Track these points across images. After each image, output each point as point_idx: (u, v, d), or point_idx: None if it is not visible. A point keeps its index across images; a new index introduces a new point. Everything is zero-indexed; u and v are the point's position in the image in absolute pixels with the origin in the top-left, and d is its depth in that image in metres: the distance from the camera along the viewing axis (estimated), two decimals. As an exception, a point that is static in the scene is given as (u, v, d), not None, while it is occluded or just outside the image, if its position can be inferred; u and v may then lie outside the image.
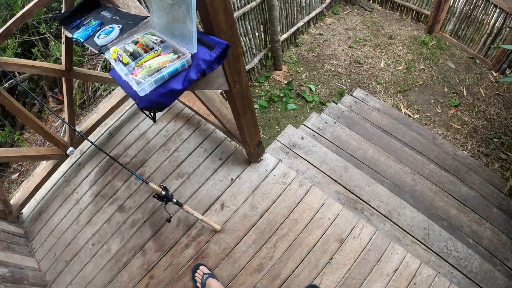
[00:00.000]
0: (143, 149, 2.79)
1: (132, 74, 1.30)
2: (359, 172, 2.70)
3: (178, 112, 2.88)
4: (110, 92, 4.28)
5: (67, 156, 2.79)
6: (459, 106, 3.86)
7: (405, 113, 3.80)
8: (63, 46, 2.32)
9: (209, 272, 2.13)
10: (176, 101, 2.90)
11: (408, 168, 3.06)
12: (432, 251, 2.44)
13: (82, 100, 4.31)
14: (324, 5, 5.04)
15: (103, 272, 2.41)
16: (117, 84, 1.44)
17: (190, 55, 1.28)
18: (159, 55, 1.37)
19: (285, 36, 4.52)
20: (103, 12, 1.93)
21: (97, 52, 1.66)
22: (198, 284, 2.11)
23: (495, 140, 3.63)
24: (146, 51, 1.41)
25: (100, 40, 1.69)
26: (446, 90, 3.99)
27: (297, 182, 2.40)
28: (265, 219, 2.29)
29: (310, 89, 4.11)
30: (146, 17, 1.75)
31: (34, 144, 4.29)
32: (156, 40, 1.46)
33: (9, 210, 2.73)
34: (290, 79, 4.29)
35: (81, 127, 2.88)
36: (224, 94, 3.36)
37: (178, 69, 1.28)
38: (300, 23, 4.71)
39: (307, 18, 4.83)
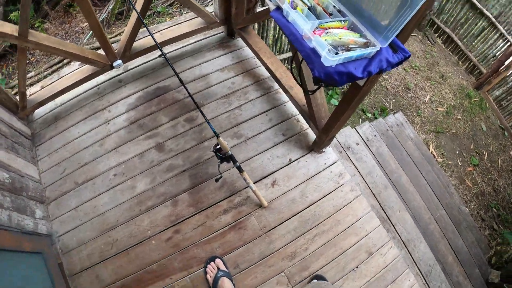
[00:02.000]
0: (201, 92, 2.66)
1: (312, 32, 1.25)
2: (395, 195, 2.85)
3: (250, 68, 2.78)
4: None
5: (111, 68, 2.62)
6: (477, 167, 4.18)
7: (431, 152, 4.04)
8: None
9: (226, 270, 2.07)
10: (252, 56, 2.83)
11: (426, 206, 3.29)
12: (428, 286, 2.68)
13: (120, 9, 4.02)
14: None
15: (120, 209, 2.30)
16: (280, 26, 1.38)
17: (379, 48, 1.24)
18: (344, 27, 1.32)
19: None
20: None
21: None
22: (209, 277, 2.05)
23: (494, 210, 4.00)
24: (325, 12, 1.35)
25: None
26: (471, 147, 4.30)
27: (349, 185, 2.46)
28: (310, 210, 2.33)
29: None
30: None
31: (53, 36, 3.92)
32: (334, 7, 1.38)
33: (23, 105, 2.50)
34: None
35: (135, 44, 2.68)
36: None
37: (363, 55, 1.25)
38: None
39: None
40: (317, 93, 2.23)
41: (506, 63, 4.52)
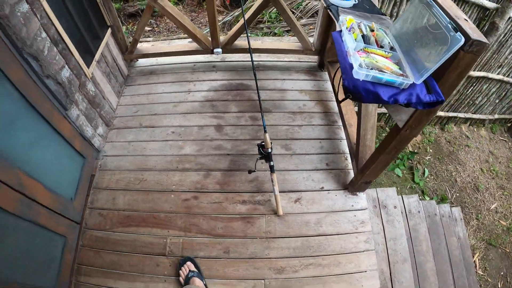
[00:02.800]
0: (274, 101, 2.93)
1: (357, 52, 1.45)
2: (411, 273, 2.75)
3: (324, 99, 2.99)
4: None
5: (211, 52, 3.02)
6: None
7: (474, 261, 3.76)
8: None
9: (195, 270, 2.17)
10: (331, 90, 3.05)
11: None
12: None
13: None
14: (490, 117, 5.00)
15: (162, 158, 2.64)
16: (335, 46, 1.61)
17: (411, 82, 1.35)
18: (387, 58, 1.48)
19: (442, 113, 4.64)
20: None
21: (325, 5, 1.93)
22: (181, 279, 2.16)
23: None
24: (377, 44, 1.56)
25: (336, 1, 1.94)
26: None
27: (366, 236, 2.46)
28: (318, 240, 2.36)
29: (423, 173, 4.17)
30: (383, 14, 1.91)
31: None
32: (389, 43, 1.57)
33: (131, 50, 3.01)
34: (415, 151, 4.40)
35: (236, 42, 3.07)
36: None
37: (394, 83, 1.36)
38: (461, 115, 4.71)
39: (469, 115, 4.82)
40: (368, 135, 2.34)
41: None
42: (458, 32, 1.17)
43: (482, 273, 3.75)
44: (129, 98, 2.97)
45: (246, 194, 2.48)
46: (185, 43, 3.32)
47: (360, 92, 1.34)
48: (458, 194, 4.18)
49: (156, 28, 5.08)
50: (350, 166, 2.65)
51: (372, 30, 1.62)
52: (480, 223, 4.07)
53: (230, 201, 2.46)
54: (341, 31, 1.62)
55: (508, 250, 4.00)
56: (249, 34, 2.61)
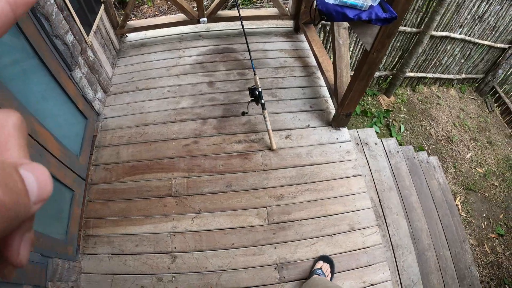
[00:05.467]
0: (258, 60, 3.23)
1: None
2: (398, 200, 3.03)
3: (302, 56, 3.31)
4: None
5: (197, 22, 3.34)
6: (501, 237, 4.07)
7: (456, 204, 4.08)
8: None
9: (323, 273, 2.19)
10: (308, 49, 3.40)
11: (430, 237, 3.34)
12: None
13: None
14: (458, 77, 5.43)
15: (161, 113, 2.87)
16: None
17: (370, 4, 1.75)
18: None
19: (411, 74, 5.02)
20: None
21: None
22: (317, 265, 2.25)
23: (507, 286, 3.83)
24: None
25: None
26: (501, 216, 4.22)
27: (353, 163, 2.73)
28: (310, 169, 2.63)
29: (400, 129, 4.54)
30: None
31: (156, 8, 4.99)
32: None
33: (122, 24, 3.29)
34: (390, 110, 4.76)
35: (221, 12, 3.41)
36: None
37: (357, 5, 1.75)
38: (430, 75, 5.12)
39: (438, 75, 5.23)
40: (343, 72, 2.66)
41: None
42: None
43: (465, 215, 4.07)
44: (123, 67, 3.23)
45: (241, 134, 2.75)
46: (171, 16, 3.63)
47: (331, 13, 1.74)
48: (434, 146, 4.55)
49: (133, 19, 5.34)
50: (331, 107, 2.96)
51: None
52: (457, 171, 4.42)
53: (227, 142, 2.71)
54: None
55: (487, 194, 4.35)
56: (233, 3, 2.93)
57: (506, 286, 3.85)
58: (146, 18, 5.21)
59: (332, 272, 2.25)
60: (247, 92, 2.76)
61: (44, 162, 2.03)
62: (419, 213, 3.31)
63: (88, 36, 2.68)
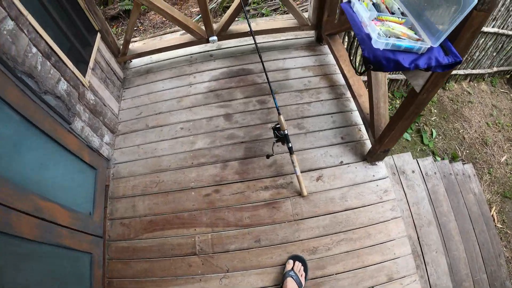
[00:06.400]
0: (278, 82, 2.89)
1: (372, 21, 1.45)
2: (437, 235, 2.80)
3: (328, 73, 2.95)
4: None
5: (207, 41, 2.97)
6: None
7: (492, 215, 3.85)
8: None
9: (296, 274, 2.12)
10: (334, 63, 3.03)
11: (468, 263, 3.15)
12: None
13: (229, 4, 4.50)
14: (489, 71, 5.05)
15: (175, 157, 2.59)
16: (346, 16, 1.62)
17: (429, 46, 1.36)
18: (401, 24, 1.49)
19: None
20: None
21: None
22: (288, 266, 2.16)
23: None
24: (388, 11, 1.56)
25: None
26: (540, 223, 4.02)
27: (391, 204, 2.49)
28: (345, 215, 2.38)
29: (431, 134, 4.22)
30: None
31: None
32: (398, 9, 1.56)
33: (124, 52, 2.94)
34: (421, 113, 4.39)
35: (231, 27, 3.02)
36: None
37: (413, 48, 1.37)
38: (461, 71, 4.75)
39: (469, 71, 4.85)
40: (381, 103, 2.34)
41: None
42: (471, -8, 1.16)
43: (501, 226, 3.84)
44: (130, 101, 2.92)
45: (267, 179, 2.47)
46: (177, 36, 3.26)
47: (381, 61, 1.35)
48: (468, 151, 4.26)
49: (140, 27, 4.99)
50: (365, 136, 2.65)
51: None
52: (492, 177, 4.15)
53: (252, 189, 2.44)
54: (350, 1, 1.62)
55: (523, 200, 4.11)
56: (239, 18, 2.55)
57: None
58: (153, 25, 4.83)
59: (306, 270, 2.16)
60: (270, 126, 2.48)
61: (54, 237, 1.83)
62: (457, 240, 3.09)
63: (85, 76, 2.38)
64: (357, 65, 1.90)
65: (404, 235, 2.41)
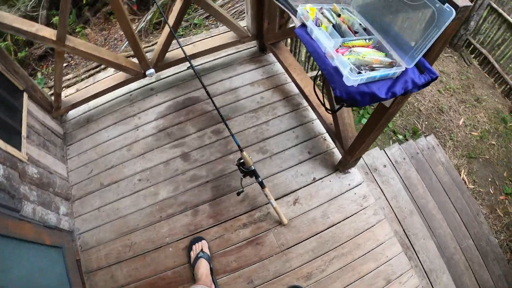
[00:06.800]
0: (229, 105, 2.73)
1: (335, 50, 1.26)
2: (421, 222, 2.81)
3: (279, 84, 2.82)
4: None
5: (144, 76, 2.73)
6: (510, 196, 4.05)
7: (462, 178, 3.96)
8: None
9: (207, 253, 2.16)
10: (283, 72, 2.88)
11: (452, 234, 3.22)
12: None
13: (159, 20, 4.21)
14: None
15: (141, 213, 2.38)
16: (304, 44, 1.40)
17: (404, 68, 1.23)
18: (368, 46, 1.33)
19: None
20: None
21: None
22: (192, 255, 2.16)
23: (525, 242, 3.87)
24: (350, 30, 1.39)
25: None
26: (505, 174, 4.17)
27: (373, 209, 2.45)
28: (331, 232, 2.32)
29: (388, 115, 4.23)
30: None
31: (92, 43, 4.15)
32: (360, 24, 1.41)
33: (58, 106, 2.65)
34: None
35: (168, 54, 2.78)
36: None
37: (387, 76, 1.23)
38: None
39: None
40: (345, 113, 2.25)
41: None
42: (446, 4, 1.03)
43: (473, 186, 3.97)
44: (77, 159, 2.63)
45: (243, 216, 2.34)
46: (112, 74, 2.97)
47: (355, 98, 1.20)
48: (426, 122, 4.33)
49: (71, 61, 4.57)
50: (332, 145, 2.58)
51: (338, 15, 1.43)
52: (455, 142, 4.26)
53: (230, 230, 2.30)
54: (304, 26, 1.41)
55: (487, 157, 4.25)
56: (180, 43, 2.32)
57: (524, 243, 3.86)
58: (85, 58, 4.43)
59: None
60: (234, 163, 2.35)
61: None
62: (439, 218, 3.14)
63: (21, 150, 2.08)
64: (324, 101, 1.74)
65: (391, 236, 2.41)
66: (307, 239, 2.29)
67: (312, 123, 2.67)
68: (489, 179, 4.07)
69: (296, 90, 2.79)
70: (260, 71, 2.92)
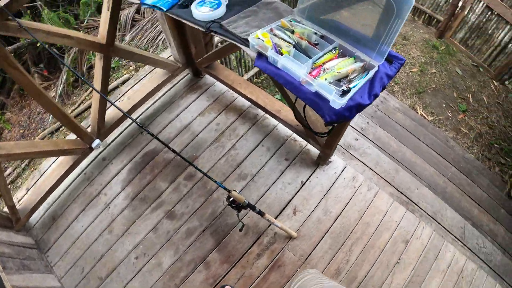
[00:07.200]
0: (190, 144, 2.65)
1: (309, 74, 1.21)
2: (407, 174, 2.90)
3: (229, 103, 2.77)
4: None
5: (91, 150, 2.56)
6: (467, 112, 4.31)
7: (421, 115, 4.14)
8: (106, 14, 1.97)
9: None
10: (226, 89, 2.81)
11: (436, 170, 3.36)
12: (468, 247, 2.73)
13: (73, 78, 3.93)
14: None
15: (154, 290, 2.27)
16: (270, 76, 1.32)
17: (377, 67, 1.22)
18: (335, 57, 1.29)
19: None
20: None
21: (203, 30, 1.43)
22: None
23: (496, 145, 4.13)
24: (312, 45, 1.33)
25: (201, 13, 1.44)
26: (455, 95, 4.42)
27: (366, 185, 2.50)
28: (338, 223, 2.36)
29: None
30: None
31: (18, 126, 3.81)
32: (316, 33, 1.37)
33: (17, 218, 2.43)
34: None
35: (106, 118, 2.63)
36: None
37: (364, 79, 1.21)
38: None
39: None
40: (309, 111, 2.23)
41: (460, 4, 4.65)
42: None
43: (432, 118, 4.16)
44: (62, 263, 2.42)
45: (253, 247, 2.31)
46: (57, 160, 2.75)
47: (344, 115, 1.18)
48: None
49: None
50: (304, 143, 2.60)
51: (292, 31, 1.36)
52: (401, 84, 4.43)
53: (248, 266, 2.26)
54: (263, 56, 1.31)
55: (434, 86, 4.46)
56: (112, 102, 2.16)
57: (495, 145, 4.12)
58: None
59: None
60: (215, 195, 2.36)
61: None
62: (419, 162, 3.27)
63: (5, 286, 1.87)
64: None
65: (391, 201, 2.51)
66: (321, 240, 2.31)
67: (277, 129, 2.65)
68: (444, 105, 4.30)
69: (247, 103, 2.75)
70: (204, 97, 2.84)
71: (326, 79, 1.20)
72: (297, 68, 1.21)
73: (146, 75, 3.05)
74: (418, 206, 2.77)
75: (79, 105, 3.94)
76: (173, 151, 1.94)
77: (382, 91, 1.28)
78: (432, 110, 4.22)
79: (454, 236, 2.73)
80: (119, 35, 4.13)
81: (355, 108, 1.18)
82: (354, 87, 1.18)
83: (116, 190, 2.58)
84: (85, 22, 4.18)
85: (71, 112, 3.67)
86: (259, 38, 1.30)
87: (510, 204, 3.73)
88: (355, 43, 1.30)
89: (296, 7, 1.44)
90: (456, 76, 4.62)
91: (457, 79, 4.59)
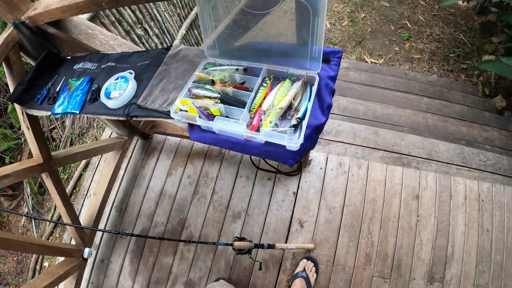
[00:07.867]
0: (174, 209, 2.58)
1: (251, 127, 1.11)
2: (388, 130, 2.89)
3: (189, 151, 2.72)
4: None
5: (86, 260, 2.46)
6: (410, 38, 4.32)
7: (371, 62, 4.13)
8: (29, 133, 1.89)
9: (306, 276, 2.15)
10: (179, 139, 2.73)
11: (411, 109, 3.36)
12: (474, 168, 2.75)
13: (36, 185, 3.80)
14: None
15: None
16: (212, 145, 1.22)
17: (317, 76, 1.15)
18: (269, 89, 1.21)
19: None
20: (78, 66, 1.56)
21: (124, 118, 1.33)
22: (298, 270, 2.19)
23: (451, 55, 4.17)
24: (239, 88, 1.23)
25: (113, 101, 1.33)
26: (393, 28, 4.43)
27: (355, 165, 2.49)
28: (347, 214, 2.36)
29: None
30: (165, 49, 1.47)
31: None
32: (237, 70, 1.27)
33: None
34: None
35: (82, 219, 2.54)
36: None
37: (312, 98, 1.13)
38: None
39: None
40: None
41: None
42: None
43: (383, 60, 4.19)
44: None
45: (280, 275, 2.28)
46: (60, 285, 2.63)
47: (307, 147, 1.11)
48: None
49: None
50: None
51: (212, 81, 1.26)
52: (338, 42, 4.43)
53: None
54: (194, 126, 1.21)
55: (371, 28, 4.48)
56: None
57: (450, 55, 4.16)
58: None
59: (317, 272, 2.23)
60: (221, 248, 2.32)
61: None
62: (392, 112, 3.31)
63: None
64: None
65: (385, 166, 2.55)
66: (338, 238, 2.31)
67: (245, 155, 2.57)
68: (387, 43, 4.31)
69: (200, 145, 2.68)
70: (163, 156, 2.76)
71: (270, 122, 1.10)
72: (235, 127, 1.10)
73: (100, 159, 2.94)
74: (411, 155, 2.76)
75: (55, 209, 3.81)
76: (159, 238, 1.89)
77: (333, 96, 1.22)
78: (379, 53, 4.22)
79: (457, 165, 2.73)
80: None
81: (314, 132, 1.11)
82: (303, 114, 1.10)
83: (128, 286, 2.50)
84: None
85: (51, 218, 3.56)
86: (181, 110, 1.19)
87: (489, 102, 3.77)
88: (283, 59, 1.22)
89: (204, 46, 1.31)
90: (385, 9, 4.63)
91: (388, 12, 4.60)
